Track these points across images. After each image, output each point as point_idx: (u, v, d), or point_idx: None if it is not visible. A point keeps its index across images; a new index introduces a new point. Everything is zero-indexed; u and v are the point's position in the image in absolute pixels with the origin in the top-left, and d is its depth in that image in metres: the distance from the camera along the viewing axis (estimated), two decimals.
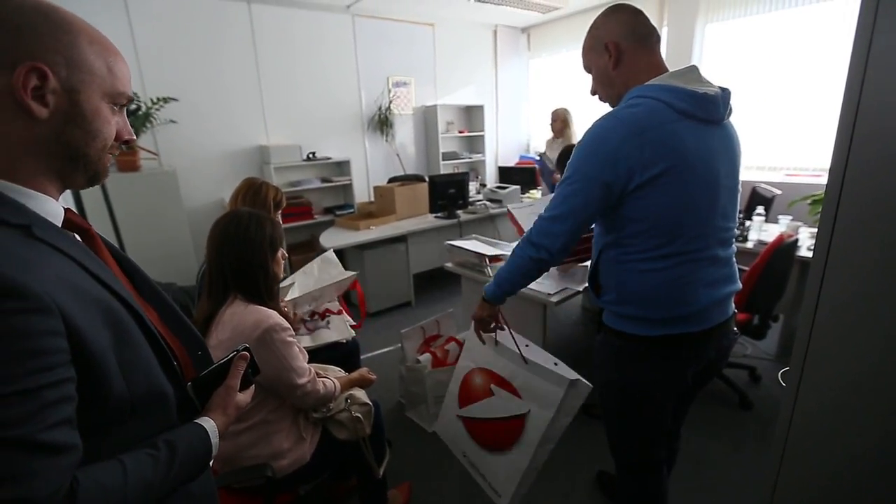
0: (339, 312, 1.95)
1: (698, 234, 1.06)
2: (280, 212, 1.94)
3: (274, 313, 1.31)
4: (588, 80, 1.22)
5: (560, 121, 3.78)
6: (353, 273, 2.03)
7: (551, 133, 3.97)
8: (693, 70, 1.07)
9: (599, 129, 1.04)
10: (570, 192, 1.08)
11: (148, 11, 3.46)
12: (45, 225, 0.57)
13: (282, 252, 1.39)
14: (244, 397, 0.80)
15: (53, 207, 0.60)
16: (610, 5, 1.14)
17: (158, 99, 3.37)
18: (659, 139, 0.98)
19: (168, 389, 0.66)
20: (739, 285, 1.19)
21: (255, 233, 1.32)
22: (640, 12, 1.11)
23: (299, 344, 1.38)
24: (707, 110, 1.03)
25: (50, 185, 0.59)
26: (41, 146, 0.56)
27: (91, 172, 0.62)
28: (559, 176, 3.60)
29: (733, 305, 1.22)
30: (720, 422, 2.20)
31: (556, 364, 1.33)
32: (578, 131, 4.00)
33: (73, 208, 0.65)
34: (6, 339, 0.46)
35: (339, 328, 1.89)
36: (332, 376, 1.51)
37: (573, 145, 2.32)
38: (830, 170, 0.78)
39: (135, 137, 0.68)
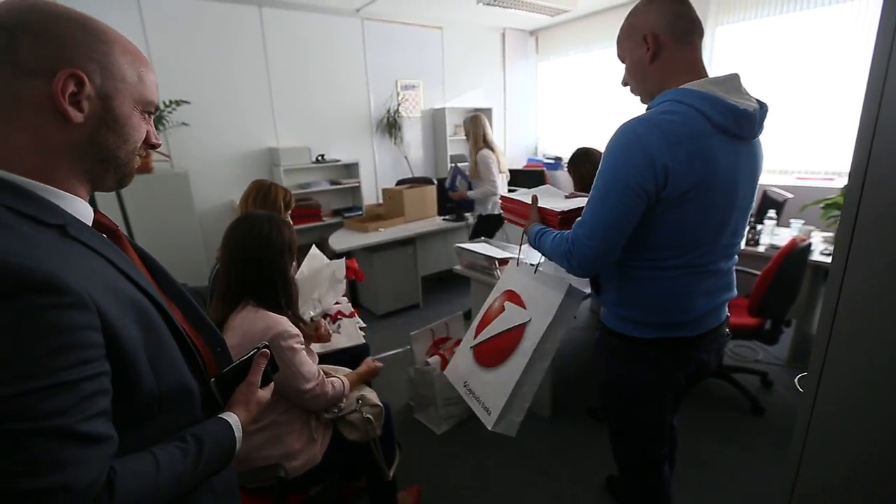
0: (352, 314, 1.96)
1: (708, 250, 1.05)
2: (289, 213, 1.95)
3: (283, 320, 1.32)
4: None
5: (464, 131, 3.66)
6: (341, 260, 2.00)
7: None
8: (735, 79, 1.01)
9: (632, 134, 0.96)
10: (608, 204, 0.98)
11: (161, 15, 3.51)
12: (79, 225, 0.58)
13: None
14: (264, 394, 0.82)
15: (84, 208, 0.62)
16: None
17: (171, 102, 3.41)
18: (692, 153, 0.93)
19: (193, 385, 0.68)
20: (735, 293, 1.19)
21: (276, 238, 1.32)
22: (685, 1, 1.02)
23: (309, 348, 1.39)
24: (742, 127, 0.99)
25: (81, 186, 0.61)
26: (75, 149, 0.58)
27: (120, 175, 0.64)
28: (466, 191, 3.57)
29: (727, 310, 1.22)
30: (732, 427, 2.18)
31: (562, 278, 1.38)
32: (507, 138, 3.82)
33: None
34: (48, 333, 0.47)
35: (350, 333, 1.90)
36: (340, 375, 1.52)
37: (586, 148, 2.32)
38: (850, 173, 0.77)
39: (160, 142, 0.70)
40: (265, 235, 1.31)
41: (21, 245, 0.49)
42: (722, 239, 1.06)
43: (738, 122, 0.97)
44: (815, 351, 0.83)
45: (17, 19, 0.53)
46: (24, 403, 0.45)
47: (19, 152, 0.55)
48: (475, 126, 3.47)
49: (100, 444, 0.50)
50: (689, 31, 1.02)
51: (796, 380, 2.51)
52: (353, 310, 1.99)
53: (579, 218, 1.06)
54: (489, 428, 1.35)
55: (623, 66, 1.13)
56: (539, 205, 1.32)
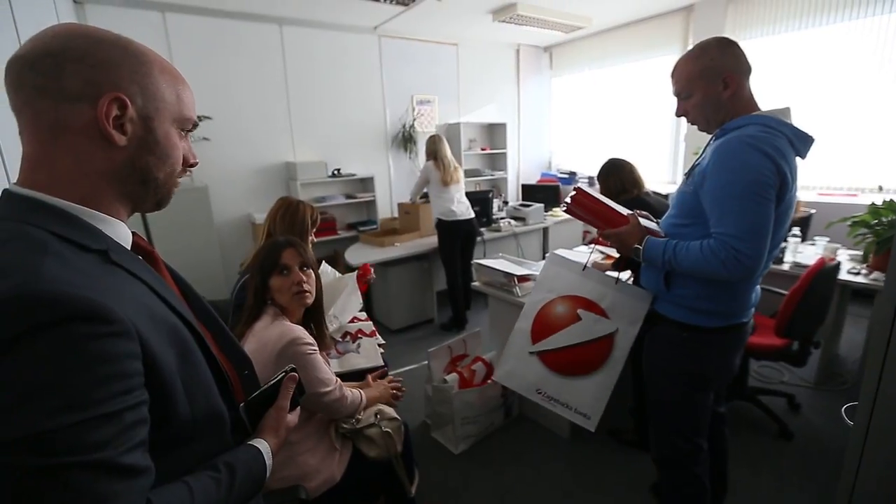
0: (372, 334, 1.94)
1: (773, 247, 1.21)
2: (314, 230, 1.96)
3: (296, 328, 1.34)
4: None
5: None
6: (352, 274, 2.01)
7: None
8: (789, 111, 1.21)
9: (751, 144, 1.10)
10: (751, 206, 1.10)
11: (186, 35, 3.61)
12: (120, 250, 0.58)
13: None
14: (292, 418, 0.82)
15: (124, 231, 0.61)
16: (718, 37, 1.24)
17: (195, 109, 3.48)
18: (788, 166, 1.13)
19: (225, 410, 0.66)
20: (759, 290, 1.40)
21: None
22: (740, 46, 1.22)
23: (325, 357, 1.39)
24: (805, 150, 1.20)
25: (122, 209, 0.61)
26: (118, 173, 0.58)
27: (159, 196, 0.64)
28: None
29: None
30: (759, 452, 2.11)
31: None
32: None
33: None
34: (94, 363, 0.46)
35: (370, 354, 1.85)
36: (355, 388, 1.51)
37: (616, 159, 2.30)
38: None
39: (198, 161, 0.70)
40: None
41: (67, 272, 0.48)
42: (782, 240, 1.26)
43: (805, 145, 1.19)
44: (867, 380, 0.79)
45: (61, 46, 0.53)
46: (69, 436, 0.44)
47: (64, 177, 0.55)
48: (429, 144, 3.60)
49: (140, 475, 0.49)
50: (749, 69, 1.23)
51: (843, 410, 2.39)
52: (373, 329, 1.97)
53: (720, 230, 1.14)
54: (591, 430, 1.54)
55: (680, 100, 1.29)
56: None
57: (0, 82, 0.56)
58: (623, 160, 2.33)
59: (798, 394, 2.47)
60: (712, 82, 1.20)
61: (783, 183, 1.11)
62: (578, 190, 1.46)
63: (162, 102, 0.60)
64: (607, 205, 1.43)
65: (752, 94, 1.23)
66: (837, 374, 2.70)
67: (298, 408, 0.85)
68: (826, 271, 2.02)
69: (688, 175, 1.29)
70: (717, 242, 1.13)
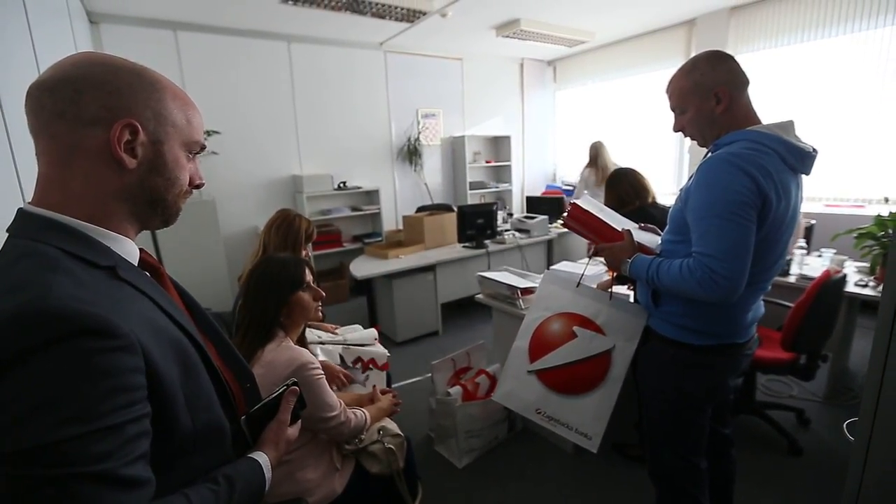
0: (384, 367, 1.94)
1: (766, 268, 1.20)
2: (310, 244, 1.98)
3: (305, 352, 1.35)
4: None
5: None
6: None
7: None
8: (792, 124, 1.17)
9: (733, 163, 1.08)
10: (732, 226, 1.07)
11: (197, 52, 3.70)
12: (127, 266, 0.60)
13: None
14: (293, 431, 0.82)
15: (132, 248, 0.64)
16: (710, 51, 1.21)
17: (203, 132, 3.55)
18: (777, 185, 1.09)
19: (226, 423, 0.67)
20: (763, 309, 1.36)
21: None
22: (734, 58, 1.20)
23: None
24: (806, 166, 1.17)
25: (130, 227, 0.63)
26: (127, 193, 0.60)
27: (166, 215, 0.67)
28: None
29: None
30: (768, 469, 2.07)
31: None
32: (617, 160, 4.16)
33: None
34: (99, 377, 0.48)
35: (377, 383, 1.87)
36: (360, 408, 1.51)
37: (624, 168, 2.31)
38: None
39: (204, 182, 0.72)
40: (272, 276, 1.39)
41: (76, 289, 0.50)
42: (778, 260, 1.22)
43: (804, 161, 1.16)
44: (866, 396, 0.78)
45: (81, 73, 0.56)
46: (73, 447, 0.46)
47: (75, 197, 0.57)
48: (590, 151, 4.11)
49: (141, 488, 0.50)
50: (746, 82, 1.20)
51: (844, 425, 2.36)
52: (386, 361, 1.96)
53: (698, 249, 1.12)
54: (593, 451, 1.50)
55: (676, 115, 1.28)
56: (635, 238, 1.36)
57: (21, 106, 0.59)
58: (629, 168, 2.35)
59: (807, 408, 2.42)
60: (704, 98, 1.18)
61: (765, 203, 1.08)
62: (573, 206, 1.48)
63: (172, 127, 0.62)
64: (602, 220, 1.43)
65: (750, 108, 1.20)
66: (847, 388, 2.65)
67: (299, 421, 0.86)
68: (832, 283, 2.01)
69: (681, 191, 1.28)
70: (695, 262, 1.12)
